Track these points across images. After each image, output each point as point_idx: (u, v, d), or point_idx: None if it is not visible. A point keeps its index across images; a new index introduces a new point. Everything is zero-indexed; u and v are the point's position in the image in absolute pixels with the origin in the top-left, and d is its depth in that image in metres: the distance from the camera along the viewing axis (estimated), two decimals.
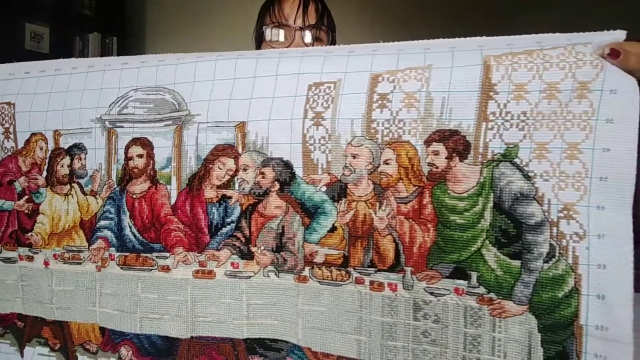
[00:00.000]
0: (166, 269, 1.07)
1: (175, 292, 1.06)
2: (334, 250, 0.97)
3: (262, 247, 1.01)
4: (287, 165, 0.99)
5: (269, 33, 1.62)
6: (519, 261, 0.86)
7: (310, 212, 0.98)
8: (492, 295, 0.88)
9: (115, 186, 1.12)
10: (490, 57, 0.88)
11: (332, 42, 1.68)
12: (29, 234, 1.19)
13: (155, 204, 1.09)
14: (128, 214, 1.11)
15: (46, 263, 1.16)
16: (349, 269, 0.96)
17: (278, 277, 1.00)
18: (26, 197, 1.19)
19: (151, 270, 1.08)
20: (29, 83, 1.20)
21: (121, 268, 1.10)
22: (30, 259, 1.18)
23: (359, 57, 0.97)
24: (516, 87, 0.86)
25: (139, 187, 1.10)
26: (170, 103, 1.09)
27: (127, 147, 1.11)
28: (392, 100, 0.92)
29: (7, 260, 1.20)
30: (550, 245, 0.84)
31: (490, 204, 0.87)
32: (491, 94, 0.87)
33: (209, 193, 1.05)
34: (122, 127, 1.12)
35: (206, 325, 1.05)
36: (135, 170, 1.10)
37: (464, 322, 0.89)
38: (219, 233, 1.04)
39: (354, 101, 0.95)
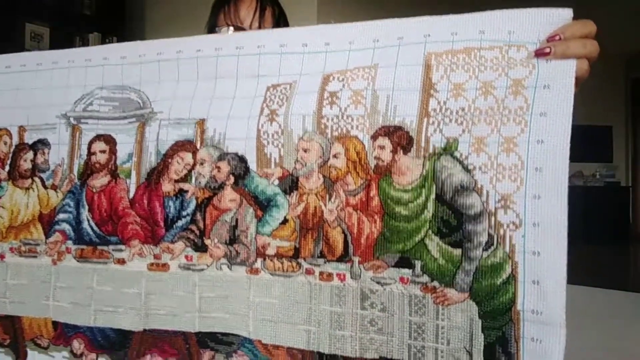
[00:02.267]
0: (121, 261, 1.08)
1: (129, 284, 1.07)
2: (285, 241, 0.99)
3: (216, 240, 1.03)
4: (242, 159, 1.02)
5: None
6: (460, 250, 0.89)
7: (263, 205, 1.01)
8: (436, 283, 0.90)
9: (76, 180, 1.14)
10: (431, 55, 0.93)
11: None
12: None
13: (114, 198, 1.11)
14: (87, 207, 1.12)
15: (2, 256, 1.16)
16: (299, 260, 0.98)
17: (230, 269, 1.02)
18: None
19: (107, 262, 1.09)
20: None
21: (77, 261, 1.11)
22: None
23: (313, 55, 1.02)
24: (454, 85, 0.92)
25: (99, 181, 1.12)
26: (135, 102, 1.12)
27: (90, 143, 1.14)
28: (341, 98, 0.97)
29: None
30: (489, 234, 0.87)
31: (433, 196, 0.91)
32: (432, 91, 0.92)
33: (167, 187, 1.07)
34: (86, 123, 1.15)
35: (159, 318, 1.05)
36: (97, 165, 1.12)
37: (409, 311, 0.91)
38: (174, 226, 1.06)
39: (306, 99, 0.99)
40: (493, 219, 0.88)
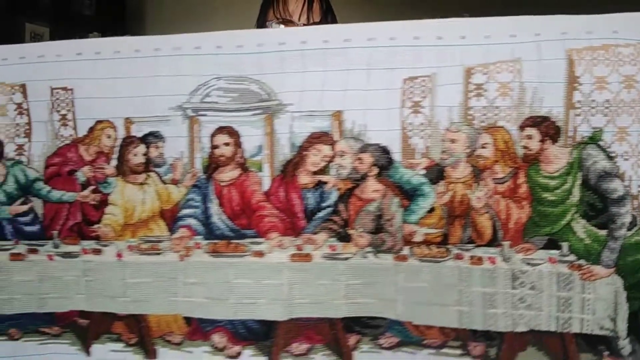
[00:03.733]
0: (260, 254, 1.08)
1: (270, 276, 1.07)
2: (433, 229, 1.04)
3: (360, 230, 1.06)
4: (385, 150, 1.04)
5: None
6: (605, 230, 0.98)
7: (408, 195, 1.04)
8: (582, 261, 0.99)
9: (201, 174, 1.11)
10: (572, 51, 0.99)
11: None
12: (96, 225, 1.14)
13: (245, 191, 1.09)
14: (216, 201, 1.10)
15: (119, 255, 1.12)
16: (448, 246, 1.04)
17: (376, 257, 1.05)
18: (91, 187, 1.14)
19: (244, 256, 1.08)
20: (86, 67, 1.13)
21: (210, 255, 1.09)
22: (97, 252, 1.13)
23: (450, 48, 1.04)
24: (597, 79, 0.98)
25: (227, 174, 1.10)
26: (257, 93, 1.09)
27: (212, 136, 1.10)
28: (488, 90, 1.01)
29: (67, 255, 1.14)
30: (632, 215, 0.97)
31: (579, 182, 0.99)
32: (576, 85, 0.99)
33: (304, 179, 1.07)
34: (205, 115, 1.10)
35: (304, 307, 1.07)
36: (222, 158, 1.10)
37: (557, 287, 1.00)
38: (315, 217, 1.07)
39: (451, 91, 1.02)
40: (636, 201, 0.97)
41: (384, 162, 1.04)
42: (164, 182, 1.12)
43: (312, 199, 1.07)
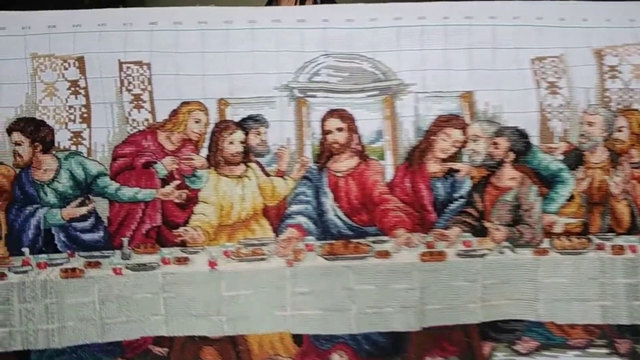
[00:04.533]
0: (384, 254, 0.93)
1: (398, 279, 0.93)
2: (572, 219, 0.97)
3: (497, 222, 0.96)
4: (522, 134, 0.96)
5: None
6: None
7: (547, 182, 0.97)
8: None
9: (311, 164, 0.95)
10: None
11: None
12: (182, 229, 0.93)
13: (365, 182, 0.95)
14: (331, 195, 0.95)
15: (212, 264, 0.92)
16: (589, 236, 0.97)
17: (514, 252, 0.96)
18: (176, 182, 0.94)
19: (365, 257, 0.93)
20: (164, 37, 0.95)
21: (325, 259, 0.93)
22: (182, 261, 0.93)
23: (573, 30, 1.00)
24: None
25: (344, 164, 0.96)
26: (371, 72, 0.97)
27: (323, 120, 0.96)
28: (623, 72, 0.97)
29: (141, 267, 0.92)
30: None
31: None
32: None
33: (433, 167, 0.96)
34: (314, 96, 0.96)
35: (437, 313, 0.94)
36: (336, 145, 0.96)
37: None
38: (446, 210, 0.96)
39: (585, 72, 0.97)
40: None
41: (521, 147, 0.96)
42: (267, 174, 0.95)
43: (442, 190, 0.96)
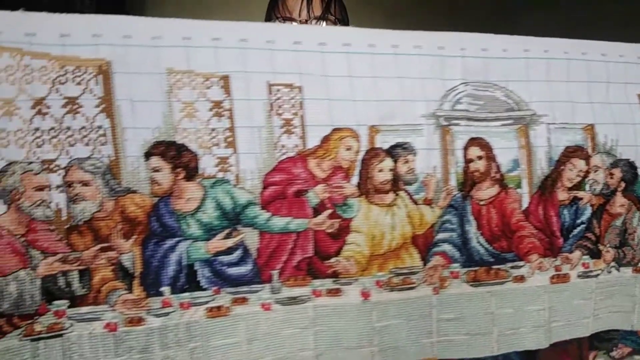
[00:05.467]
0: (520, 279, 0.99)
1: (531, 302, 0.99)
2: None
3: (607, 245, 1.05)
4: (632, 165, 1.05)
5: None
6: None
7: None
8: None
9: (456, 192, 0.96)
10: None
11: None
12: (334, 259, 0.90)
13: (505, 210, 0.99)
14: (475, 223, 0.97)
15: (365, 294, 0.91)
16: None
17: (618, 271, 1.06)
18: (328, 211, 0.90)
19: (504, 282, 0.98)
20: (312, 59, 0.90)
21: (470, 285, 0.96)
22: (334, 293, 0.90)
23: None
24: None
25: (486, 192, 0.98)
26: (503, 101, 1.00)
27: (465, 148, 0.97)
28: None
29: (292, 300, 0.88)
30: None
31: None
32: None
33: (562, 195, 1.02)
34: (457, 124, 0.97)
35: (558, 330, 1.02)
36: (477, 173, 0.97)
37: None
38: (570, 235, 1.03)
39: None
40: None
41: (631, 177, 1.05)
42: (415, 203, 0.94)
43: (568, 216, 1.03)
